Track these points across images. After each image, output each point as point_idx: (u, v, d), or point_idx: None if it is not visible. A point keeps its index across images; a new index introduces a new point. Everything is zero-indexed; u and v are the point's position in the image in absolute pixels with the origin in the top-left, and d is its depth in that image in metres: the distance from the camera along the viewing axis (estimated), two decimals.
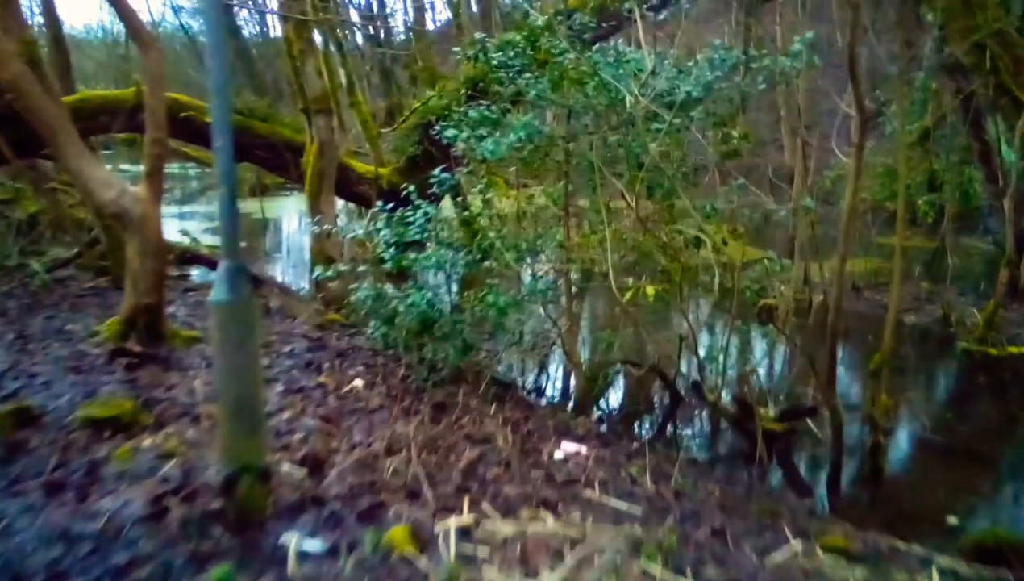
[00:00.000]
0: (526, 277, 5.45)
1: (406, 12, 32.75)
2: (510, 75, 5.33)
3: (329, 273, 5.26)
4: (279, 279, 10.47)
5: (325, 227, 5.81)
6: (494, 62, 5.10)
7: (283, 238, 16.49)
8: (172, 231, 14.28)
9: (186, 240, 10.65)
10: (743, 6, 14.29)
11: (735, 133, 6.14)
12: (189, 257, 9.66)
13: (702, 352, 5.32)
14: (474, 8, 25.72)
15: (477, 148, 4.81)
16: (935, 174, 12.81)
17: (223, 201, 3.08)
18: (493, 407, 4.69)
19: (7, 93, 5.64)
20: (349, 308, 5.71)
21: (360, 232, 5.22)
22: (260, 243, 15.04)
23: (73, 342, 5.66)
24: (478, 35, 5.59)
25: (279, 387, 4.80)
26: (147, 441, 3.61)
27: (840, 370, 5.34)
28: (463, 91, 9.07)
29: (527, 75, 5.10)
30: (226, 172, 3.17)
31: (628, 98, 4.39)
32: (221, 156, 3.14)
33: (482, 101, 8.34)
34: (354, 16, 31.22)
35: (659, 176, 4.64)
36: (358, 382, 4.95)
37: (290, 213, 18.33)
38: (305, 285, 9.91)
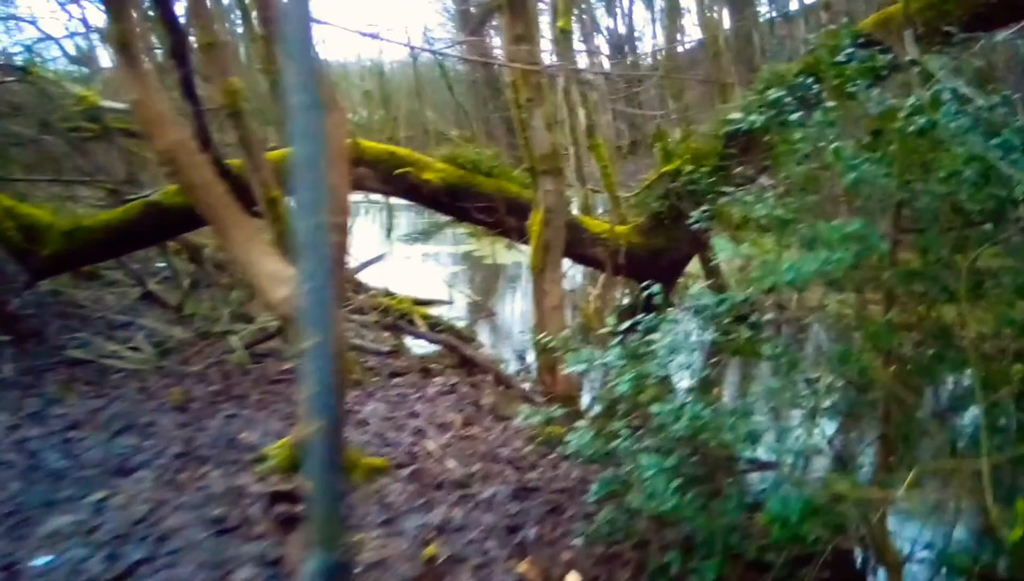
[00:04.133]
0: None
1: (655, 35, 31.04)
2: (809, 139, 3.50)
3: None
4: (496, 351, 9.21)
5: (543, 338, 4.39)
6: (803, 135, 3.24)
7: (513, 291, 14.08)
8: (412, 275, 13.02)
9: (407, 299, 9.76)
10: None
11: None
12: (403, 326, 8.61)
13: None
14: (726, 24, 22.79)
15: (775, 267, 2.99)
16: None
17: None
18: None
19: (162, 165, 4.97)
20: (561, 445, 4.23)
21: (583, 365, 3.67)
22: (487, 293, 13.56)
23: (237, 468, 4.82)
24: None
25: None
26: None
27: None
28: (720, 149, 7.52)
29: (837, 143, 3.22)
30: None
31: None
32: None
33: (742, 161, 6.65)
34: (602, 44, 30.23)
35: None
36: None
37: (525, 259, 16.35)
38: (528, 358, 8.39)
